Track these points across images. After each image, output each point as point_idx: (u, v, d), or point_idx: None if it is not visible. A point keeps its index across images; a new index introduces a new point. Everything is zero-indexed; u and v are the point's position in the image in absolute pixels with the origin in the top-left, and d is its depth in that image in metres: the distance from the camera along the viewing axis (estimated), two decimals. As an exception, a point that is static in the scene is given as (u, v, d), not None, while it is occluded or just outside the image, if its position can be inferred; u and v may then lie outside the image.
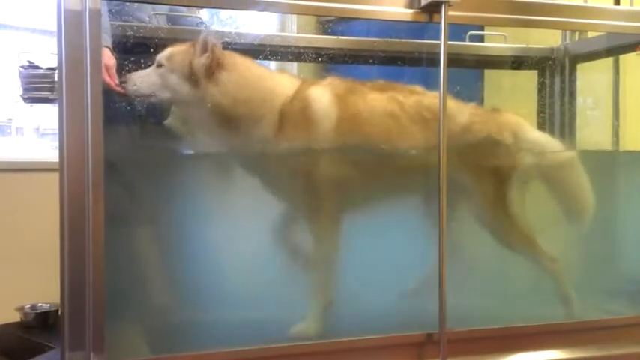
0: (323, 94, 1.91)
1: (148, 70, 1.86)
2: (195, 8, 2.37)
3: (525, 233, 2.06)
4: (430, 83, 2.08)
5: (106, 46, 1.92)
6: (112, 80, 1.90)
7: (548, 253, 2.06)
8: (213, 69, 1.80)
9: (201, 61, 1.79)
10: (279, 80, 1.95)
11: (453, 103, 1.99)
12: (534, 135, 2.18)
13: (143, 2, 2.18)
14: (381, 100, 1.97)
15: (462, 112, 2.03)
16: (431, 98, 1.94)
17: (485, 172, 2.05)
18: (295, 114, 1.87)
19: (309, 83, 1.96)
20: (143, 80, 1.83)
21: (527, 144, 2.10)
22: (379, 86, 2.02)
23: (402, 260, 2.00)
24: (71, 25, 1.44)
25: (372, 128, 1.95)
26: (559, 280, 2.06)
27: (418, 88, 2.03)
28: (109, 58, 1.92)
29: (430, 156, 1.78)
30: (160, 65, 1.84)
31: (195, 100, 1.82)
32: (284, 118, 1.86)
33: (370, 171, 1.97)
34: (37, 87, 2.38)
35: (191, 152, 2.07)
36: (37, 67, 2.44)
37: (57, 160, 1.48)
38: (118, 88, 1.87)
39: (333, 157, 1.90)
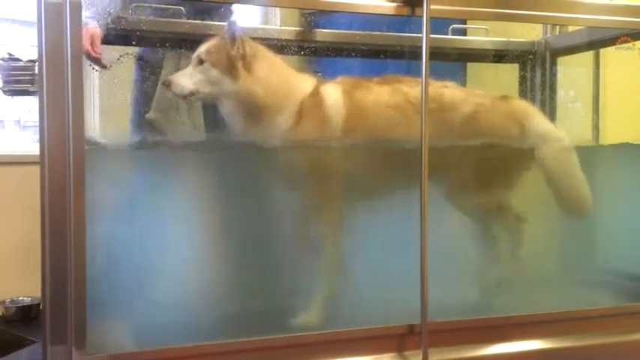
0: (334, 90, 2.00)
1: (188, 69, 1.91)
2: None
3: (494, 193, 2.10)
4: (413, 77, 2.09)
5: (92, 17, 1.95)
6: (93, 49, 1.92)
7: (515, 209, 2.10)
8: (248, 59, 1.89)
9: (233, 52, 1.87)
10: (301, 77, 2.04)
11: (458, 92, 2.05)
12: (544, 125, 2.18)
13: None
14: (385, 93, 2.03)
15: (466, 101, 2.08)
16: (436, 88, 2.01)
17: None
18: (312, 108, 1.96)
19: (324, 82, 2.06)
20: (188, 80, 1.89)
21: (536, 134, 2.11)
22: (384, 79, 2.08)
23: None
24: (51, 18, 1.43)
25: (379, 120, 2.00)
26: (517, 243, 2.11)
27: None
28: (94, 27, 1.94)
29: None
30: (200, 62, 1.90)
31: (234, 92, 1.89)
32: (302, 111, 1.94)
33: (375, 164, 2.03)
34: (17, 79, 2.36)
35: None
36: (17, 60, 2.42)
37: (38, 152, 1.47)
38: (96, 56, 1.92)
39: (345, 149, 1.98)
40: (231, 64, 1.87)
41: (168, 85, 1.91)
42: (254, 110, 1.91)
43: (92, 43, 1.92)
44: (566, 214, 2.15)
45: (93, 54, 1.92)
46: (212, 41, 1.93)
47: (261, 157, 1.99)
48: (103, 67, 1.94)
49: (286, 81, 1.99)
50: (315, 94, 1.98)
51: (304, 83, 2.01)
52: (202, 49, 1.91)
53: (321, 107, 1.96)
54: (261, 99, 1.90)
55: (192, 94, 1.90)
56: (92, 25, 1.94)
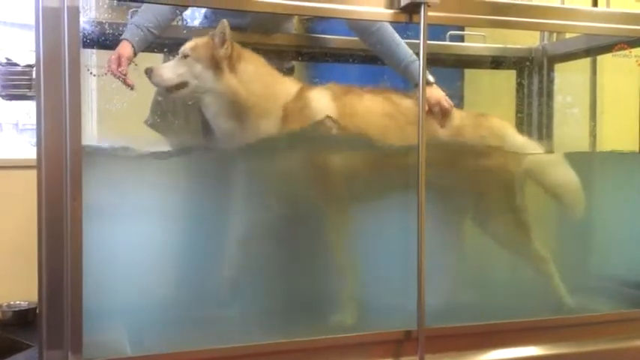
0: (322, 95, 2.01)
1: (172, 61, 1.94)
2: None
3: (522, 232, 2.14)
4: (410, 83, 2.10)
5: (127, 39, 1.96)
6: (118, 69, 1.92)
7: (539, 252, 2.13)
8: (234, 60, 1.91)
9: (221, 52, 1.89)
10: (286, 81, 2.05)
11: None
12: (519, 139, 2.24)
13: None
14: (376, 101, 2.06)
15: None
16: None
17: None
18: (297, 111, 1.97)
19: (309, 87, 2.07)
20: (170, 71, 1.91)
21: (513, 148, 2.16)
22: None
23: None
24: (49, 23, 1.43)
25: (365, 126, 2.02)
26: (551, 280, 2.14)
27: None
28: (124, 48, 1.95)
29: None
30: (185, 56, 1.91)
31: (216, 90, 1.91)
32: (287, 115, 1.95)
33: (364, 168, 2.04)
34: (15, 84, 2.36)
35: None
36: (15, 65, 2.42)
37: (35, 156, 1.47)
38: (120, 76, 1.92)
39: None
40: (216, 62, 1.89)
41: (148, 74, 1.91)
42: (237, 112, 1.92)
43: (119, 64, 1.92)
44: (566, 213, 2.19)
45: (117, 74, 1.92)
46: (199, 39, 1.94)
47: (250, 159, 2.00)
48: (129, 86, 1.94)
49: (270, 84, 1.99)
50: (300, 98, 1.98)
51: (289, 87, 2.02)
52: (188, 44, 1.93)
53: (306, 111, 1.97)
54: (244, 100, 1.91)
55: (173, 85, 1.90)
56: (123, 45, 1.95)
